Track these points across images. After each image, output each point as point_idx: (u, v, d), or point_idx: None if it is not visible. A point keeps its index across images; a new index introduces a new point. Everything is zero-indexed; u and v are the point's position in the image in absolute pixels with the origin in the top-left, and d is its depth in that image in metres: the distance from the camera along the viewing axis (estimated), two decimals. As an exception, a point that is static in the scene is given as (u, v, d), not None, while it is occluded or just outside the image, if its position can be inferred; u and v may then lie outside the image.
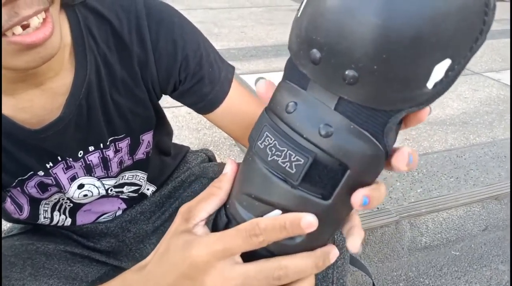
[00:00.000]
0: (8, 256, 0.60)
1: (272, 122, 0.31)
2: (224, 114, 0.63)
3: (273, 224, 0.31)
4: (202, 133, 1.66)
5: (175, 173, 0.78)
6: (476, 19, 0.25)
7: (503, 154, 1.59)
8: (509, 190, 1.39)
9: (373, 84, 0.26)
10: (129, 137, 0.61)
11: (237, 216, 0.34)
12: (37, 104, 0.51)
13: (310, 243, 0.33)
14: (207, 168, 0.80)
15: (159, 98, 0.63)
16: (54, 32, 0.41)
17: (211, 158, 0.88)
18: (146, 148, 0.65)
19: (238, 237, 0.32)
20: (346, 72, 0.26)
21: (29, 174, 0.56)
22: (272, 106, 0.32)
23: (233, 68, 0.65)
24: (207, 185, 0.80)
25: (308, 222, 0.30)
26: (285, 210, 0.31)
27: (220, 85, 0.62)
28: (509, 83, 2.30)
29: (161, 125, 0.69)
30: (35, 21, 0.39)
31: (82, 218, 0.68)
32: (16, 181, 0.55)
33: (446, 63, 0.26)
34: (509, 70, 2.49)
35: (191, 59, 0.58)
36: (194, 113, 1.80)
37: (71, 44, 0.51)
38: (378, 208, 1.29)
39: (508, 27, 3.47)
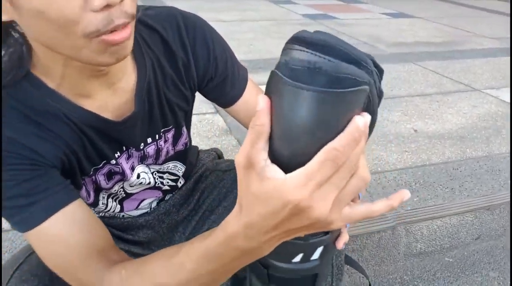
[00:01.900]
0: None
1: None
2: (240, 108, 0.76)
3: (346, 139, 0.33)
4: (212, 141, 1.76)
5: (194, 169, 0.88)
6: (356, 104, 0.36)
7: (498, 168, 1.67)
8: (500, 202, 1.47)
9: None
10: (174, 129, 0.73)
11: None
12: (110, 102, 0.62)
13: None
14: (219, 163, 0.94)
15: (194, 96, 0.75)
16: (130, 36, 0.51)
17: (220, 156, 1.00)
18: (185, 139, 0.77)
19: (323, 167, 0.33)
20: None
21: (103, 162, 0.66)
22: None
23: (246, 69, 0.78)
24: (222, 176, 0.92)
25: (364, 122, 0.34)
26: None
27: (238, 83, 0.75)
28: (507, 100, 2.39)
29: (190, 122, 0.81)
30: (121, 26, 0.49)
31: (128, 205, 0.79)
32: (92, 169, 0.65)
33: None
34: (508, 88, 2.58)
35: (219, 61, 0.71)
36: (205, 122, 1.91)
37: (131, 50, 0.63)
38: (376, 214, 1.38)
39: (508, 45, 3.56)
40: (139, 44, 0.64)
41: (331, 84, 0.35)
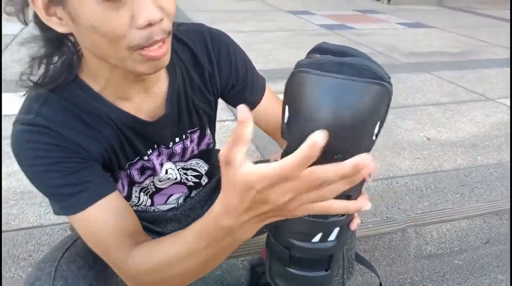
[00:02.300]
0: None
1: None
2: (258, 114, 0.86)
3: (301, 155, 0.38)
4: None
5: (217, 170, 0.98)
6: (384, 104, 0.45)
7: (508, 175, 1.72)
8: (509, 207, 1.52)
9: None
10: (199, 130, 0.83)
11: None
12: (145, 105, 0.72)
13: None
14: None
15: (217, 101, 0.85)
16: (167, 52, 0.61)
17: None
18: (208, 140, 0.87)
19: (292, 164, 0.39)
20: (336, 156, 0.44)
21: (136, 158, 0.76)
22: None
23: (265, 79, 0.89)
24: None
25: (322, 137, 0.38)
26: None
27: (257, 91, 0.86)
28: (521, 110, 2.42)
29: (214, 126, 0.91)
30: (160, 42, 0.59)
31: (157, 200, 0.88)
32: (127, 164, 0.75)
33: (377, 124, 0.46)
34: (523, 97, 2.61)
35: (240, 72, 0.82)
36: (225, 128, 2.01)
37: None
38: (387, 217, 1.45)
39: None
40: (172, 55, 0.74)
41: (358, 74, 0.43)
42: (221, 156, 0.42)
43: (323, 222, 0.53)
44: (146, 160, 0.78)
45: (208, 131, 0.87)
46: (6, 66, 2.90)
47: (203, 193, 0.96)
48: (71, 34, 0.62)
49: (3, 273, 1.13)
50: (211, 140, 0.89)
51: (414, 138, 2.05)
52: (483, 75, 3.05)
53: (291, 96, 0.47)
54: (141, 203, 0.87)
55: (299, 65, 0.47)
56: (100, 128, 0.69)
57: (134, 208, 0.89)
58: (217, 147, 1.16)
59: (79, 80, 0.68)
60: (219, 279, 1.24)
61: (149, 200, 0.87)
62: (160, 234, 0.93)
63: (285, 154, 0.46)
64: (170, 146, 0.80)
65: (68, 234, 0.91)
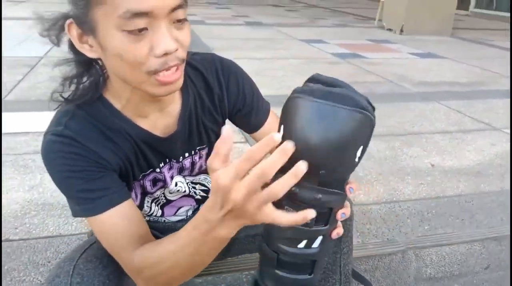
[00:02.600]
0: None
1: None
2: (262, 134, 0.95)
3: (260, 144, 0.50)
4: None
5: None
6: (366, 131, 0.53)
7: (509, 202, 1.76)
8: (508, 233, 1.56)
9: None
10: (207, 147, 0.92)
11: None
12: (159, 122, 0.82)
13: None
14: None
15: (225, 122, 0.95)
16: (181, 76, 0.71)
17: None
18: None
19: (242, 163, 0.50)
20: (320, 172, 0.52)
21: (149, 170, 0.85)
22: None
23: (269, 103, 0.99)
24: None
25: (278, 137, 0.50)
26: None
27: (261, 114, 0.95)
28: (527, 140, 2.46)
29: None
30: (174, 68, 0.69)
31: (167, 211, 0.97)
32: (141, 175, 0.84)
33: (360, 148, 0.54)
34: (529, 128, 2.65)
35: (247, 97, 0.92)
36: (235, 150, 2.09)
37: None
38: (388, 239, 1.50)
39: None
40: (185, 80, 0.84)
41: (343, 102, 0.52)
42: (207, 163, 0.52)
43: (307, 230, 0.60)
44: (158, 172, 0.86)
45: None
46: (31, 87, 3.07)
47: None
48: (99, 58, 0.73)
49: (24, 277, 1.22)
50: None
51: (418, 164, 2.11)
52: (491, 106, 3.10)
53: (286, 117, 0.56)
54: (152, 213, 0.95)
55: (294, 91, 0.55)
56: (119, 142, 0.78)
57: (146, 218, 0.97)
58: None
59: (103, 99, 0.78)
60: (224, 291, 1.30)
61: (160, 211, 0.96)
62: None
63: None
64: (180, 160, 0.88)
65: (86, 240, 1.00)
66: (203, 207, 0.57)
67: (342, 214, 0.59)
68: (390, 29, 6.88)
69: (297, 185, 0.52)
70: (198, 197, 0.99)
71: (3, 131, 2.25)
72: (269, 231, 0.64)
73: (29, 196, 1.64)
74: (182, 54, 0.69)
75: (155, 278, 0.69)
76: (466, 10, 10.18)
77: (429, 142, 2.40)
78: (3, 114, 2.52)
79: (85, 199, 0.73)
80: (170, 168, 0.88)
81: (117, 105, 0.78)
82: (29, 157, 1.95)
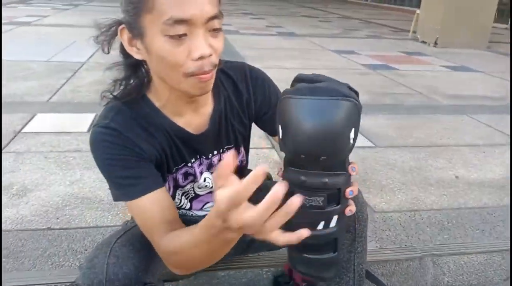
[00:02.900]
0: None
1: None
2: None
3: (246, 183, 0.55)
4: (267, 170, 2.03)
5: None
6: (354, 115, 0.60)
7: (533, 216, 1.76)
8: (529, 246, 1.57)
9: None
10: (234, 147, 1.01)
11: None
12: (193, 121, 0.92)
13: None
14: (268, 183, 1.19)
15: (251, 124, 1.03)
16: (212, 78, 0.81)
17: (269, 178, 1.26)
18: (241, 157, 1.06)
19: (242, 190, 0.55)
20: (321, 159, 0.59)
21: (182, 164, 0.95)
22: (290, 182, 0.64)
23: None
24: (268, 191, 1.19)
25: (281, 190, 0.54)
26: None
27: None
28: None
29: (248, 146, 1.09)
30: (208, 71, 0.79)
31: (195, 205, 1.06)
32: (174, 168, 0.94)
33: (352, 131, 0.60)
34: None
35: (272, 102, 1.01)
36: (262, 155, 2.18)
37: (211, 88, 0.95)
38: (405, 245, 1.54)
39: None
40: (218, 85, 0.95)
41: (328, 94, 0.59)
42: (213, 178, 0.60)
43: (322, 212, 0.67)
44: (189, 166, 0.96)
45: (242, 149, 1.05)
46: (73, 90, 3.27)
47: None
48: (145, 62, 0.85)
49: (63, 262, 1.34)
50: (244, 158, 1.07)
51: (443, 176, 2.13)
52: (522, 121, 3.06)
53: (281, 117, 0.63)
54: (182, 206, 1.04)
55: (284, 92, 0.63)
56: (157, 136, 0.89)
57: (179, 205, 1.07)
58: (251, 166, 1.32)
59: (146, 98, 0.89)
60: (244, 286, 1.38)
61: (189, 204, 1.05)
62: None
63: (284, 161, 0.63)
64: (209, 157, 0.98)
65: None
66: (210, 212, 0.61)
67: (350, 191, 0.66)
68: (424, 42, 6.84)
69: (304, 174, 0.60)
70: None
71: (47, 130, 2.42)
72: (289, 219, 0.72)
73: (70, 190, 1.78)
74: (215, 59, 0.80)
75: (179, 262, 0.78)
76: (506, 23, 9.95)
77: (456, 154, 2.41)
78: (48, 114, 2.71)
79: (125, 185, 0.83)
80: (200, 164, 0.98)
81: (157, 104, 0.89)
82: (71, 154, 2.10)
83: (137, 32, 0.78)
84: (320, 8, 13.51)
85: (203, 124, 0.94)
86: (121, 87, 0.88)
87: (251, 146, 1.11)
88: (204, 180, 1.00)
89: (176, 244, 0.76)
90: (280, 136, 0.61)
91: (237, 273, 1.37)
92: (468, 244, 1.57)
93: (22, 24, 6.55)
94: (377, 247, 1.52)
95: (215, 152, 0.99)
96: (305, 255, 0.73)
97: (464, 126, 2.91)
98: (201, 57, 0.76)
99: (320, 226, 0.69)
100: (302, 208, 0.62)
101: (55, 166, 1.98)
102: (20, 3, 9.72)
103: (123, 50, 0.85)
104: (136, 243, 0.89)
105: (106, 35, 0.85)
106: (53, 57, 4.32)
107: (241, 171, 1.09)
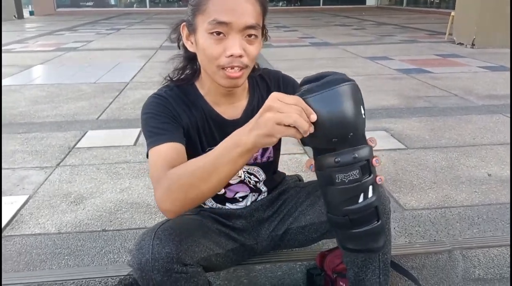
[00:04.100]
0: (191, 222, 1.13)
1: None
2: None
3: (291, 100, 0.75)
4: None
5: (280, 185, 1.27)
6: (357, 93, 0.75)
7: None
8: (561, 238, 1.58)
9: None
10: None
11: None
12: (228, 112, 1.11)
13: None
14: (299, 183, 1.33)
15: None
16: (242, 76, 0.99)
17: (300, 179, 1.38)
18: (269, 154, 1.20)
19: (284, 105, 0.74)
20: (349, 136, 0.75)
21: (214, 145, 1.08)
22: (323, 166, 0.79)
23: None
24: (299, 191, 1.37)
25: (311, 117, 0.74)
26: None
27: None
28: None
29: (279, 147, 1.23)
30: (236, 68, 0.97)
31: (227, 193, 1.20)
32: (208, 149, 1.09)
33: (361, 107, 0.75)
34: None
35: None
36: (294, 160, 2.29)
37: (247, 88, 1.13)
38: (435, 239, 1.60)
39: None
40: (254, 86, 1.14)
41: (334, 85, 0.73)
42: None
43: (359, 184, 0.78)
44: None
45: (270, 147, 1.17)
46: (120, 108, 3.52)
47: (266, 200, 1.26)
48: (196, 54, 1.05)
49: (117, 259, 1.50)
50: (272, 154, 1.20)
51: (475, 174, 2.15)
52: (562, 117, 3.01)
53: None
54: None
55: (299, 96, 0.77)
56: (195, 114, 1.09)
57: (211, 202, 1.21)
58: (287, 172, 1.45)
59: (194, 85, 1.11)
60: (280, 279, 1.49)
61: (223, 190, 1.19)
62: (230, 228, 1.23)
63: (314, 155, 0.79)
64: None
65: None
66: (235, 132, 0.82)
67: (376, 160, 0.80)
68: (461, 43, 6.74)
69: (336, 155, 0.74)
70: (251, 185, 1.22)
71: (98, 145, 2.65)
72: (330, 202, 0.83)
73: (120, 196, 1.96)
74: (247, 61, 0.97)
75: (179, 189, 0.87)
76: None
77: (489, 153, 2.42)
78: (98, 131, 2.95)
79: (153, 133, 1.01)
80: None
81: (202, 91, 1.11)
82: (120, 165, 2.30)
83: (192, 29, 1.00)
84: (354, 17, 13.52)
85: (236, 115, 1.11)
86: (179, 74, 1.12)
87: (284, 151, 1.24)
88: None
89: (182, 166, 0.90)
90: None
91: (273, 267, 1.48)
92: (498, 237, 1.61)
93: (70, 49, 7.02)
94: (406, 241, 1.59)
95: None
96: (353, 230, 0.83)
97: (499, 125, 2.89)
98: (232, 55, 0.94)
99: (361, 198, 0.80)
100: (343, 184, 0.75)
101: (106, 176, 2.18)
102: (66, 30, 10.38)
103: (182, 44, 1.08)
104: (177, 229, 1.03)
105: (175, 33, 1.09)
106: (100, 78, 4.63)
107: (268, 166, 1.21)
